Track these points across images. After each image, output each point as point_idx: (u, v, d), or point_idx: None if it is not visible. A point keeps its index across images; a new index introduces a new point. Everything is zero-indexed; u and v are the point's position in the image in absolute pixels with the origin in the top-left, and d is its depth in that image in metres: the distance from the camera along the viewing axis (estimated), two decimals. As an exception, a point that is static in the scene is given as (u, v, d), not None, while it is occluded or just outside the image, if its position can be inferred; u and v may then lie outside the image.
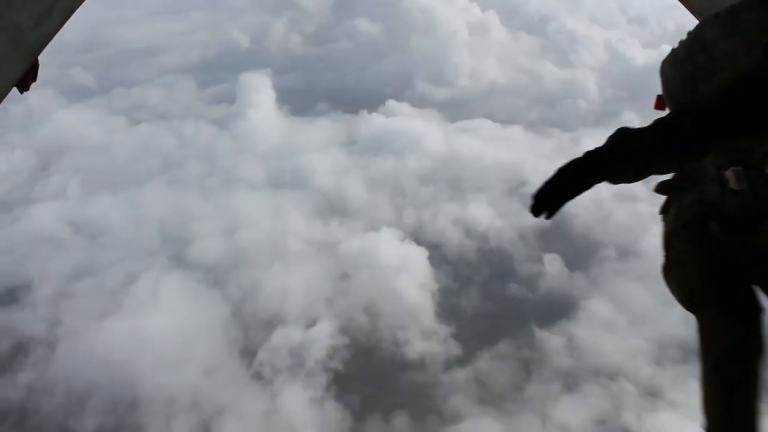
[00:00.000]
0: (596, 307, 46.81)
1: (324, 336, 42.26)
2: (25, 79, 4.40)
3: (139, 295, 46.56)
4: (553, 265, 52.37)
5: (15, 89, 4.83)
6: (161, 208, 58.32)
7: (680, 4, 6.08)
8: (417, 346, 43.74)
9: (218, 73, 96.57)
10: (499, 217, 58.35)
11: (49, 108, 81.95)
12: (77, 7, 5.39)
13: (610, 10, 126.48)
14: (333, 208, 59.22)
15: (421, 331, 45.09)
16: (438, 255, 53.57)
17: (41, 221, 56.88)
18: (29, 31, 4.17)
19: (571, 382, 40.26)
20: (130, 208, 58.37)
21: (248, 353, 42.37)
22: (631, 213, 57.70)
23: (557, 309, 47.07)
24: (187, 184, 63.57)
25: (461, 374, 41.01)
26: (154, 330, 42.74)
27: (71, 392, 39.42)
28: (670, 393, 39.81)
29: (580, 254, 53.74)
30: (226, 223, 55.67)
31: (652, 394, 39.79)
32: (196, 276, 48.77)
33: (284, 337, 42.74)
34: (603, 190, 57.92)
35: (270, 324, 43.98)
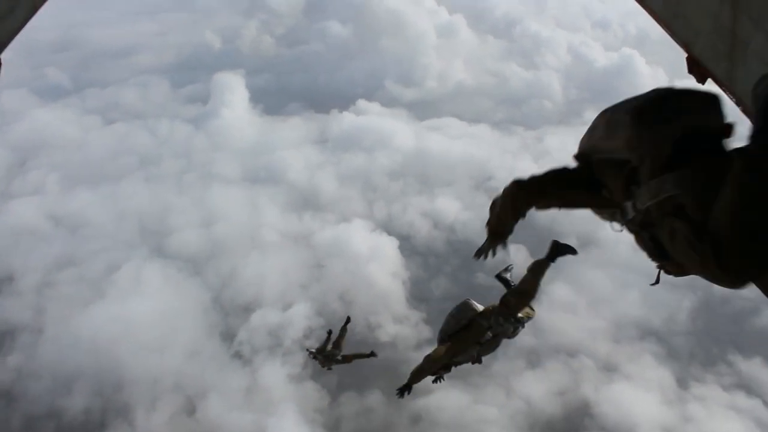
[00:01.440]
0: (558, 292, 49.38)
1: (300, 317, 44.21)
2: None
3: (122, 284, 48.10)
4: (518, 255, 54.89)
5: None
6: (140, 202, 59.77)
7: (642, 9, 6.11)
8: (389, 330, 45.98)
9: (192, 74, 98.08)
10: (466, 210, 60.81)
11: (23, 107, 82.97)
12: (41, 5, 5.10)
13: (575, 14, 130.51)
14: (306, 202, 61.19)
15: (392, 316, 47.33)
16: (408, 246, 55.85)
17: (21, 215, 57.93)
18: None
19: (534, 359, 42.90)
20: (108, 202, 59.68)
21: (228, 336, 44.26)
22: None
23: (521, 293, 49.69)
24: (164, 180, 65.07)
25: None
26: (138, 316, 44.29)
27: (58, 376, 40.81)
28: (626, 367, 42.70)
29: (544, 244, 56.22)
30: (204, 216, 57.35)
31: (609, 368, 42.56)
32: (177, 265, 50.45)
33: (262, 318, 44.69)
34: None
35: (248, 309, 45.89)
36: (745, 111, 4.52)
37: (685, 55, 5.40)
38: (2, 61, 4.68)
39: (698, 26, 5.19)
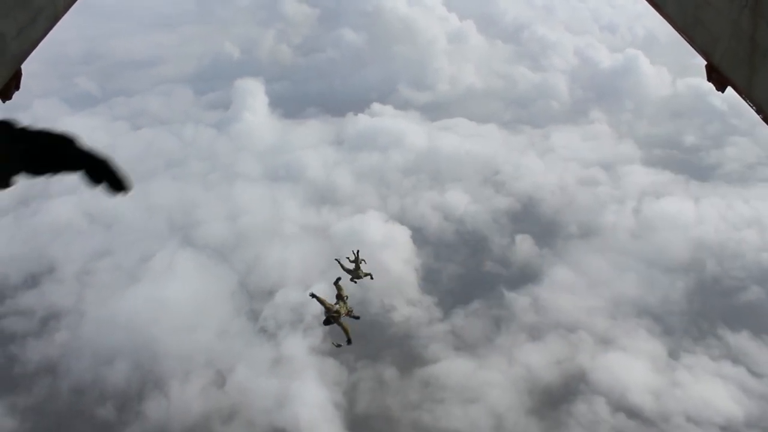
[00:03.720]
0: (560, 274, 53.00)
1: (320, 295, 47.69)
2: (8, 87, 4.26)
3: (156, 270, 52.03)
4: (523, 243, 58.52)
5: None
6: (169, 199, 63.75)
7: (653, 10, 6.03)
8: (402, 311, 49.54)
9: (213, 82, 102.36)
10: (474, 203, 64.50)
11: (54, 115, 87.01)
12: (61, 17, 5.25)
13: (584, 19, 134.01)
14: (324, 197, 64.97)
15: (405, 299, 50.88)
16: (420, 236, 59.40)
17: (60, 213, 61.91)
18: (12, 40, 4.08)
19: (535, 334, 46.42)
20: (140, 200, 63.46)
21: (254, 316, 48.06)
22: (592, 195, 64.70)
23: (525, 276, 53.35)
24: (191, 179, 69.07)
25: (439, 328, 47.13)
26: (171, 299, 48.13)
27: (99, 352, 44.59)
28: (621, 340, 46.10)
29: (547, 233, 59.89)
30: (229, 210, 61.32)
31: (605, 342, 45.98)
32: (206, 253, 54.38)
33: (285, 297, 48.47)
34: (568, 176, 64.75)
35: (272, 291, 49.63)
36: (765, 119, 4.68)
37: (705, 62, 5.47)
38: (28, 72, 4.72)
39: (717, 33, 5.20)
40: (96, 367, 43.88)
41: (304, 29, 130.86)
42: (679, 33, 5.67)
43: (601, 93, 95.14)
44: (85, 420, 39.86)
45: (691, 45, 5.56)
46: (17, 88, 4.55)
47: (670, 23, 5.81)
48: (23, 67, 4.63)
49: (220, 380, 43.38)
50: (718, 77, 5.30)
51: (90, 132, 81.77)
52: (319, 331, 44.15)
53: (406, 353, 44.52)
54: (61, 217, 61.28)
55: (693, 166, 72.40)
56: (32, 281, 53.11)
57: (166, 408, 41.52)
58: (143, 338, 45.32)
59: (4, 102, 4.51)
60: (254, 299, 49.99)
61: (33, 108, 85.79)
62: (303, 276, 51.50)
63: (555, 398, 40.99)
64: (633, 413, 39.78)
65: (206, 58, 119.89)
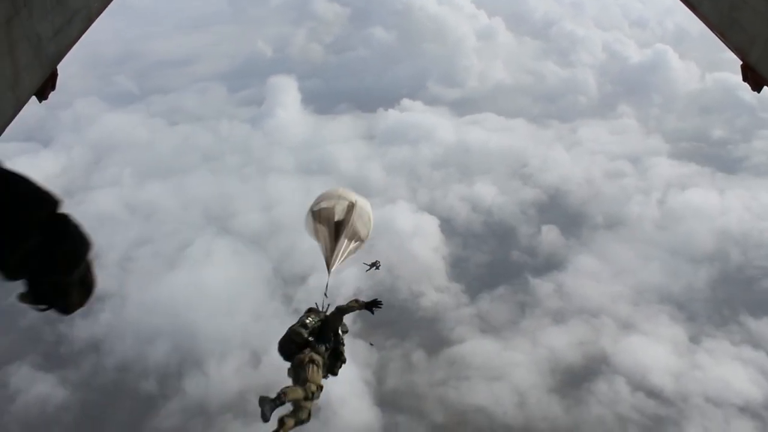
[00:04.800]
0: (584, 262, 54.31)
1: (351, 279, 49.47)
2: (44, 87, 4.33)
3: (194, 258, 54.36)
4: (549, 233, 59.81)
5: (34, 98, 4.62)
6: (205, 191, 66.17)
7: (683, 5, 6.02)
8: (431, 297, 51.18)
9: (246, 80, 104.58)
10: (502, 195, 65.96)
11: (94, 112, 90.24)
12: (96, 18, 5.40)
13: (613, 14, 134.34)
14: (355, 189, 65.24)
15: (434, 286, 52.52)
16: (448, 227, 60.97)
17: (101, 204, 64.52)
18: (48, 41, 4.12)
19: (558, 318, 47.84)
20: (177, 192, 66.16)
21: (288, 300, 50.04)
22: (618, 186, 65.81)
23: (550, 264, 54.77)
24: (226, 172, 71.46)
25: (465, 312, 48.79)
26: (209, 284, 50.34)
27: (141, 334, 46.89)
28: (643, 325, 47.28)
29: (573, 223, 61.10)
30: (264, 202, 63.53)
31: (627, 327, 47.23)
32: (242, 241, 56.64)
33: (318, 280, 50.26)
34: (595, 168, 65.92)
35: (304, 276, 51.51)
36: None
37: (737, 59, 5.46)
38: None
39: (754, 33, 5.14)
40: (138, 346, 46.14)
41: (335, 28, 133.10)
42: (714, 32, 5.54)
43: (630, 88, 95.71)
44: (129, 394, 42.13)
45: (726, 45, 5.48)
46: (53, 88, 4.60)
47: (704, 23, 5.68)
48: (59, 68, 4.72)
49: (256, 360, 45.34)
50: (754, 77, 5.35)
51: (131, 128, 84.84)
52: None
53: (434, 336, 46.17)
54: (104, 207, 63.80)
55: (720, 159, 72.90)
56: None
57: (205, 385, 43.50)
58: (182, 321, 47.47)
59: (40, 102, 4.56)
60: (288, 284, 51.92)
61: (74, 106, 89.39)
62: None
63: (576, 378, 42.34)
64: (652, 393, 40.98)
65: (239, 56, 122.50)
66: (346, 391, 40.84)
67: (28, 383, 41.70)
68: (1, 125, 2.80)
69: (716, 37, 5.46)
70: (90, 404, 41.33)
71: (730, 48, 5.29)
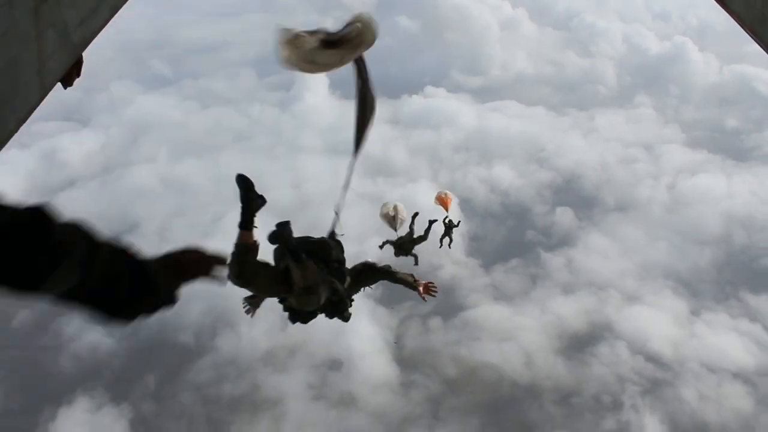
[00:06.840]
0: (595, 240, 57.41)
1: (374, 247, 52.78)
2: (69, 74, 4.16)
3: (227, 229, 57.41)
4: (564, 215, 62.83)
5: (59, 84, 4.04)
6: (237, 168, 69.11)
7: (712, 0, 5.42)
8: (448, 270, 54.26)
9: (275, 65, 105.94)
10: (519, 177, 69.13)
11: (130, 95, 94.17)
12: (122, 5, 4.81)
13: (636, 7, 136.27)
14: (380, 169, 70.01)
15: (452, 261, 55.61)
16: (467, 206, 64.06)
17: (139, 178, 68.55)
18: (75, 29, 4.00)
19: (567, 290, 51.07)
20: (210, 169, 69.61)
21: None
22: (630, 171, 68.69)
23: (562, 241, 57.91)
24: (257, 152, 74.99)
25: (480, 281, 52.12)
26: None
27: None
28: (646, 298, 50.37)
29: (587, 205, 64.13)
30: (293, 179, 67.12)
31: (632, 299, 50.34)
32: (272, 215, 59.87)
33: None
34: (609, 154, 68.84)
35: (332, 247, 54.96)
36: None
37: (757, 50, 4.91)
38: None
39: None
40: (174, 308, 49.79)
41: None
42: (745, 29, 5.07)
43: (648, 79, 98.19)
44: (168, 345, 46.02)
45: (758, 43, 5.05)
46: (78, 75, 4.47)
47: (734, 18, 5.16)
48: (84, 55, 4.48)
49: (284, 323, 48.72)
50: None
51: (165, 110, 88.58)
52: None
53: (450, 303, 49.55)
54: (141, 182, 67.69)
55: (732, 148, 75.40)
56: (118, 237, 59.31)
57: (237, 344, 47.34)
58: (215, 286, 51.00)
59: (65, 88, 4.47)
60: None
61: (110, 89, 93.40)
62: (359, 234, 56.94)
63: (581, 342, 45.71)
64: (651, 357, 44.26)
65: (268, 43, 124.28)
66: (368, 348, 44.40)
67: (80, 332, 45.64)
68: (27, 111, 2.91)
69: (743, 32, 5.07)
70: (135, 352, 45.27)
71: (761, 46, 4.96)
